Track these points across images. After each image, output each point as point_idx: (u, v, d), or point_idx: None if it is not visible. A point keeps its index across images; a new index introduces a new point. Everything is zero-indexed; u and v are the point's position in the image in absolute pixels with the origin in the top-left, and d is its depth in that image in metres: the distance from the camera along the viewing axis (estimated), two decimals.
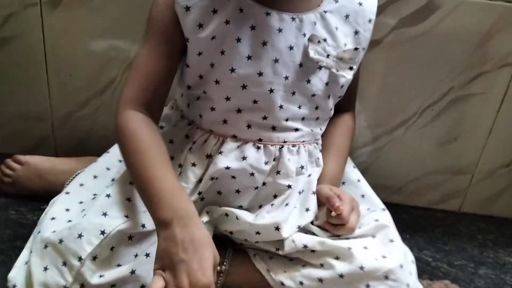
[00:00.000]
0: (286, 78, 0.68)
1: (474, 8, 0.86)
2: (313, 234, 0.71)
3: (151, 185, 0.61)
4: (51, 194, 0.77)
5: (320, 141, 0.78)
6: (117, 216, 0.66)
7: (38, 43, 0.92)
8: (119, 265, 0.65)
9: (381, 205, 0.78)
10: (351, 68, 0.72)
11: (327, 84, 0.71)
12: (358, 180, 0.83)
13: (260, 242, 0.72)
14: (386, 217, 0.74)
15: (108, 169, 0.77)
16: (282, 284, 0.69)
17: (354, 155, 0.99)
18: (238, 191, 0.72)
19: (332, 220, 0.69)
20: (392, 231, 0.72)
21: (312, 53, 0.68)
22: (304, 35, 0.68)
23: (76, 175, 0.81)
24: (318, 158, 0.76)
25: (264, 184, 0.72)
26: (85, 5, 0.89)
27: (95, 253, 0.63)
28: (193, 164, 0.71)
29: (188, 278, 0.53)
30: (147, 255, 0.65)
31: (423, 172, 1.02)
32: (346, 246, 0.67)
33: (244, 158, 0.70)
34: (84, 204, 0.71)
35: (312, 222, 0.72)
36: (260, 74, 0.67)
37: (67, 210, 0.70)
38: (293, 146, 0.72)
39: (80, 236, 0.63)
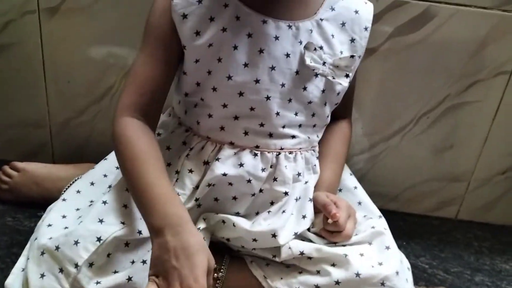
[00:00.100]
0: (283, 85, 0.69)
1: (470, 16, 0.87)
2: (310, 241, 0.72)
3: (144, 192, 0.61)
4: (48, 201, 0.77)
5: (317, 148, 0.78)
6: (113, 223, 0.66)
7: (36, 50, 0.93)
8: (115, 272, 0.65)
9: (378, 212, 0.78)
10: (347, 76, 0.72)
11: (323, 91, 0.71)
12: (355, 187, 0.83)
13: (257, 249, 0.72)
14: (382, 224, 0.74)
15: (105, 176, 0.77)
16: None
17: (351, 162, 0.99)
18: (235, 198, 0.72)
19: (328, 227, 0.70)
20: (388, 238, 0.72)
21: (308, 61, 0.68)
22: (301, 42, 0.68)
23: (73, 182, 0.82)
24: (315, 165, 0.76)
25: (261, 191, 0.72)
26: (83, 13, 0.89)
27: (91, 260, 0.63)
28: (190, 171, 0.71)
29: (181, 285, 0.54)
30: (144, 262, 0.65)
31: (419, 180, 1.02)
32: (342, 253, 0.67)
33: (241, 165, 0.70)
34: (81, 211, 0.71)
35: (309, 229, 0.72)
36: (257, 81, 0.68)
37: (64, 217, 0.70)
38: (290, 153, 0.73)
39: (76, 243, 0.63)
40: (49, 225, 0.68)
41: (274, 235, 0.68)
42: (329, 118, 0.77)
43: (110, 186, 0.72)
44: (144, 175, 0.62)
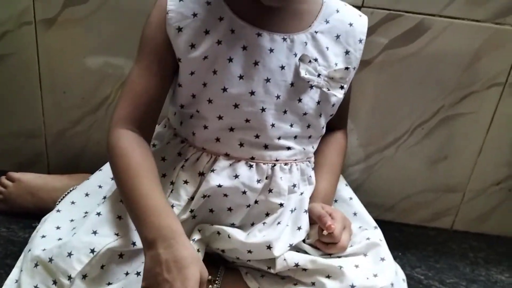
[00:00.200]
0: (278, 97, 0.69)
1: (463, 29, 0.87)
2: (305, 252, 0.71)
3: (138, 204, 0.61)
4: (43, 212, 0.77)
5: (312, 159, 0.78)
6: (107, 234, 0.66)
7: (32, 60, 0.93)
8: (109, 284, 0.64)
9: (373, 223, 0.78)
10: (342, 87, 0.73)
11: (318, 103, 0.72)
12: (350, 198, 0.83)
13: (252, 260, 0.72)
14: (377, 235, 0.74)
15: (100, 187, 0.77)
16: None
17: (346, 173, 0.99)
18: (230, 209, 0.72)
19: (323, 238, 0.69)
20: (384, 249, 0.72)
21: (303, 73, 0.69)
22: (295, 55, 0.69)
23: (68, 193, 0.81)
24: (310, 176, 0.77)
25: (256, 202, 0.72)
26: (79, 24, 0.90)
27: (85, 272, 0.63)
28: (185, 182, 0.71)
29: None
30: (138, 273, 0.65)
31: (414, 190, 1.03)
32: (337, 265, 0.67)
33: (236, 176, 0.70)
34: (75, 222, 0.71)
35: (304, 241, 0.72)
36: (252, 93, 0.68)
37: (58, 228, 0.70)
38: (285, 165, 0.73)
39: (69, 254, 0.63)
40: (43, 236, 0.68)
41: (269, 247, 0.68)
42: (324, 129, 0.77)
43: (105, 197, 0.72)
44: (138, 186, 0.62)
